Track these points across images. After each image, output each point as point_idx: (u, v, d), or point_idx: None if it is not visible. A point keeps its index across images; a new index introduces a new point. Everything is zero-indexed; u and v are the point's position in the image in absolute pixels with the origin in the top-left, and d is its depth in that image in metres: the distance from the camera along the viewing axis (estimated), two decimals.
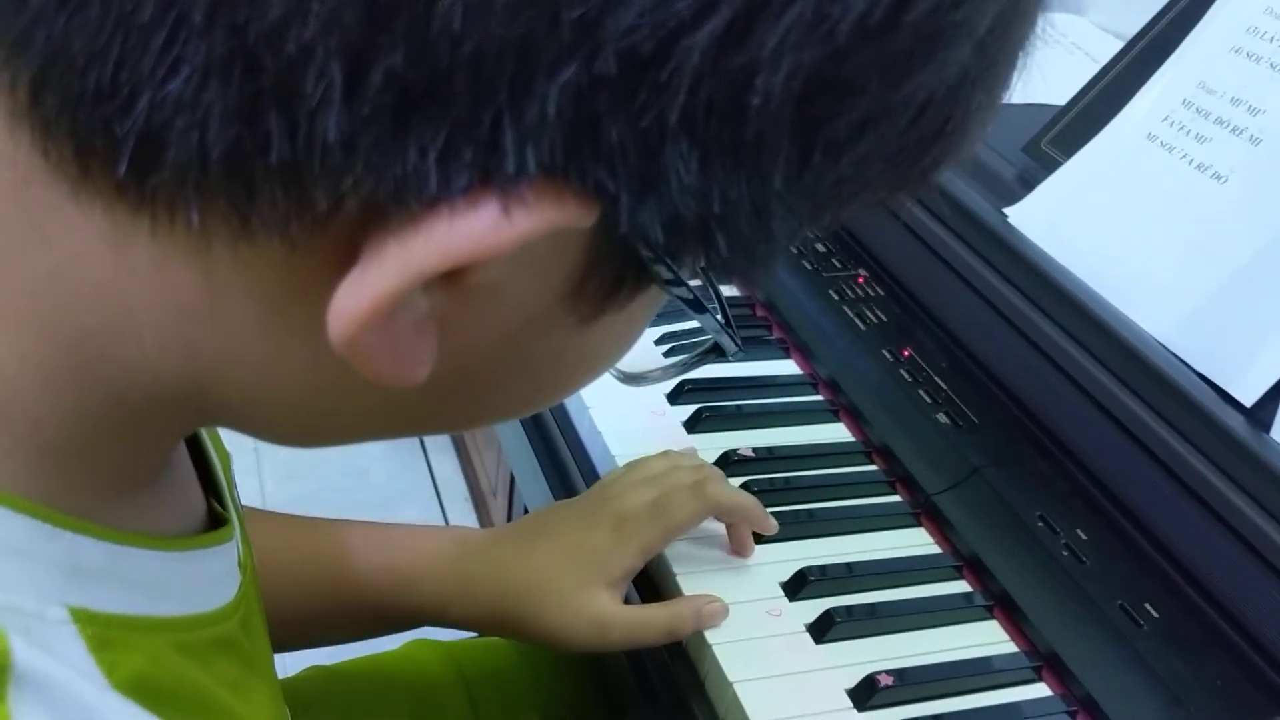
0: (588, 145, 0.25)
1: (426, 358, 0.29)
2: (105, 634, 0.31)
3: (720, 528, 0.74)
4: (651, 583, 0.73)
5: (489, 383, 0.34)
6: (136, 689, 0.31)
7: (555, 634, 0.68)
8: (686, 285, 0.31)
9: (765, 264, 0.30)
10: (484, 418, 0.37)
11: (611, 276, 0.30)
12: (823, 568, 0.72)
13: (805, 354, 0.93)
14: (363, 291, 0.26)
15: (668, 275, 0.29)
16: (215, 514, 0.41)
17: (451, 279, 0.27)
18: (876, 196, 0.30)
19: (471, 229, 0.25)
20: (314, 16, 0.23)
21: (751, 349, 0.93)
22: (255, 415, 0.34)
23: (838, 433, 0.86)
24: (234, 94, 0.24)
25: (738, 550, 0.73)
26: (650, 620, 0.68)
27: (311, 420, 0.35)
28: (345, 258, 0.27)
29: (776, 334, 0.95)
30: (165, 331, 0.30)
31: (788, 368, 0.92)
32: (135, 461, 0.35)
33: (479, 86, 0.24)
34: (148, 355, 0.30)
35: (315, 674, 0.86)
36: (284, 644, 0.60)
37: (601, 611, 0.67)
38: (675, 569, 0.71)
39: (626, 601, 0.70)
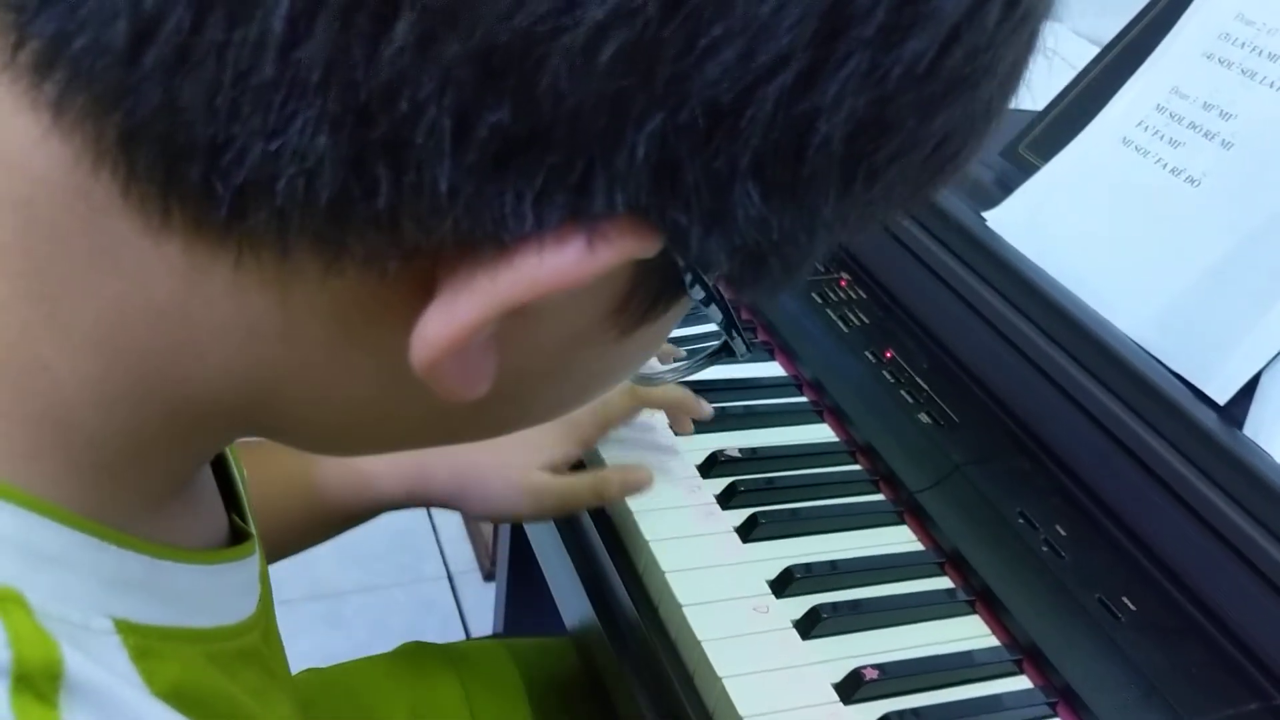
0: (667, 186, 0.27)
1: (488, 376, 0.31)
2: (145, 644, 0.32)
3: (708, 530, 0.75)
4: (640, 584, 0.74)
5: (530, 393, 0.35)
6: (174, 697, 0.32)
7: (496, 505, 0.78)
8: (717, 299, 0.33)
9: (797, 281, 0.33)
10: (520, 424, 0.38)
11: (651, 294, 0.32)
12: (808, 565, 0.73)
13: (790, 356, 0.94)
14: (452, 320, 0.28)
15: (701, 293, 0.32)
16: (236, 528, 0.42)
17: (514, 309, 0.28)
18: (888, 215, 0.32)
19: (559, 263, 0.27)
20: (428, 77, 0.25)
21: None
22: (305, 428, 0.36)
23: (822, 433, 0.87)
24: (345, 145, 0.26)
25: (677, 428, 0.84)
26: (578, 485, 0.77)
27: (360, 432, 0.37)
28: (425, 286, 0.29)
29: (761, 336, 0.97)
30: (230, 352, 0.31)
31: (772, 370, 0.94)
32: (177, 474, 0.36)
33: (575, 137, 0.26)
34: (209, 375, 0.32)
35: (311, 676, 0.86)
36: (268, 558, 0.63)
37: (534, 483, 0.76)
38: (664, 567, 0.72)
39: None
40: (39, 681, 0.27)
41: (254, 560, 0.42)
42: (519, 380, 0.33)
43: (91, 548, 0.31)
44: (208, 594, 0.37)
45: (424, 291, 0.29)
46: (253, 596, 0.41)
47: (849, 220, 0.31)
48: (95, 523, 0.32)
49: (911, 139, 0.28)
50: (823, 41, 0.25)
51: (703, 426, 0.85)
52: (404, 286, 0.29)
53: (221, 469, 0.44)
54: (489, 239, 0.27)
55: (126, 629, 0.32)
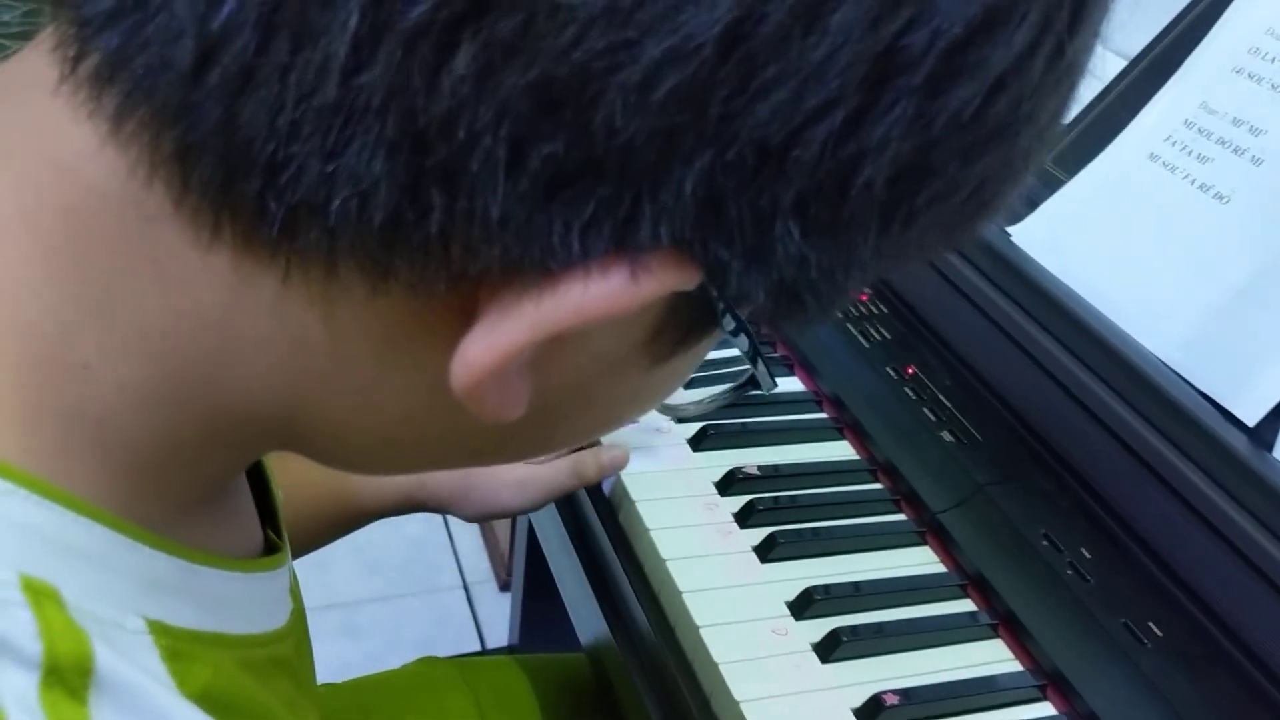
0: (711, 221, 0.27)
1: (524, 400, 0.31)
2: (177, 646, 0.32)
3: (725, 549, 0.74)
4: (656, 603, 0.73)
5: (558, 418, 0.36)
6: (205, 699, 0.32)
7: (484, 502, 0.80)
8: (748, 331, 0.33)
9: (829, 318, 0.32)
10: (549, 447, 0.39)
11: (685, 325, 0.32)
12: (828, 587, 0.72)
13: (809, 371, 0.93)
14: (495, 344, 0.29)
15: (732, 325, 0.32)
16: (269, 541, 0.43)
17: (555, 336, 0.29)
18: (921, 256, 0.33)
19: (603, 292, 0.28)
20: (486, 107, 0.25)
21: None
22: (339, 444, 0.36)
23: (842, 450, 0.86)
24: (400, 170, 0.26)
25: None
26: (558, 468, 0.79)
27: (392, 450, 0.37)
28: (468, 309, 0.29)
29: (780, 351, 0.96)
30: (271, 365, 0.32)
31: (792, 385, 0.93)
32: (210, 481, 0.37)
33: (625, 170, 0.26)
34: (249, 384, 0.32)
35: (325, 691, 0.86)
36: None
37: (519, 475, 0.80)
38: (680, 587, 0.71)
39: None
40: (70, 676, 0.27)
41: (285, 572, 0.43)
42: (550, 406, 0.33)
43: (125, 547, 0.32)
44: (241, 601, 0.38)
45: (466, 315, 0.29)
46: (285, 608, 0.42)
47: (884, 260, 0.31)
48: (130, 523, 0.32)
49: (951, 184, 0.29)
50: (871, 87, 0.26)
51: (721, 442, 0.85)
52: (447, 309, 0.30)
53: (259, 483, 0.44)
54: (535, 266, 0.28)
55: (159, 630, 0.32)
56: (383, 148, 0.26)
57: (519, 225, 0.27)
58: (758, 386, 0.39)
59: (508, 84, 0.25)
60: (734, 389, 0.41)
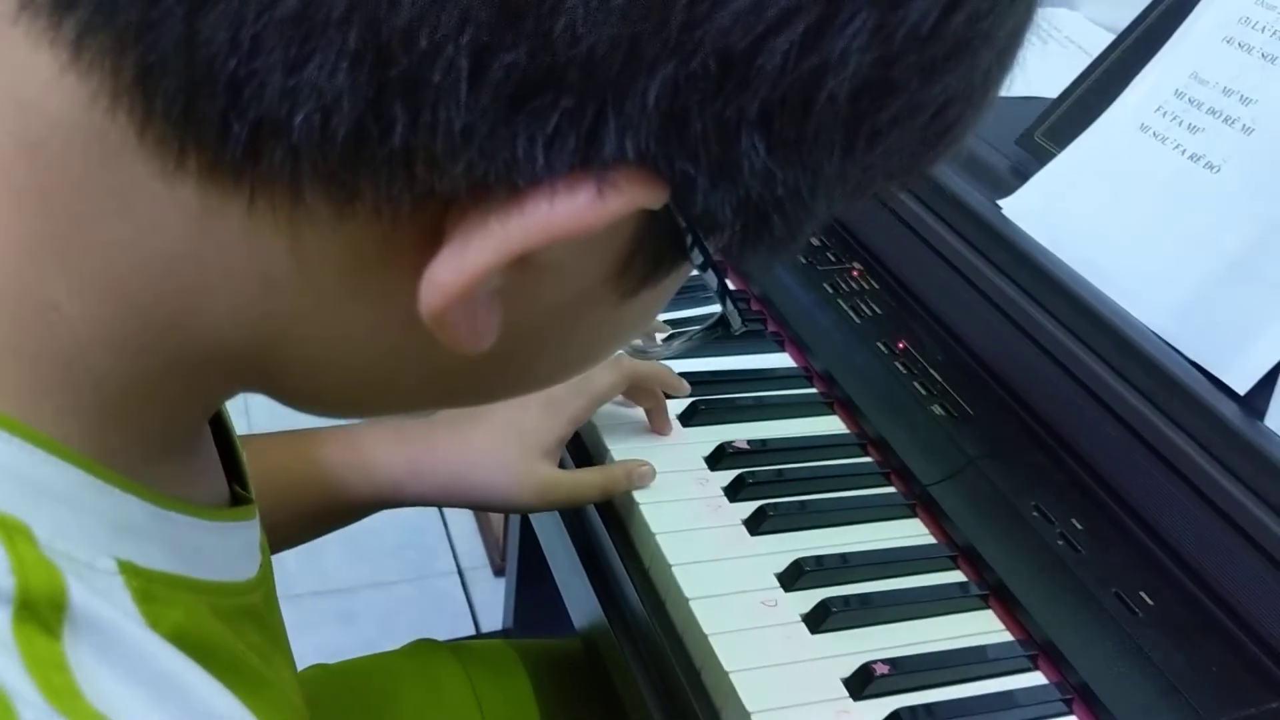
0: (676, 135, 0.27)
1: (493, 329, 0.31)
2: (149, 588, 0.32)
3: (716, 523, 0.74)
4: (647, 578, 0.73)
5: (533, 354, 0.36)
6: (177, 639, 0.32)
7: (504, 500, 0.77)
8: (714, 264, 0.33)
9: (797, 246, 0.33)
10: (517, 389, 0.39)
11: (653, 256, 0.32)
12: (818, 558, 0.72)
13: (800, 347, 0.93)
14: (463, 266, 0.28)
15: (700, 256, 0.32)
16: (236, 495, 0.43)
17: (523, 257, 0.29)
18: (884, 185, 0.33)
19: (569, 209, 0.28)
20: (447, 16, 0.25)
21: (746, 342, 0.93)
22: (311, 381, 0.36)
23: (832, 425, 0.86)
24: (363, 83, 0.26)
25: (657, 429, 0.82)
26: (587, 481, 0.78)
27: (364, 389, 0.37)
28: (435, 233, 0.29)
29: (771, 327, 0.95)
30: (240, 298, 0.31)
31: (782, 361, 0.92)
32: (179, 424, 0.36)
33: (588, 80, 0.26)
34: (218, 320, 0.32)
35: (319, 673, 0.86)
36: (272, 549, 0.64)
37: (543, 478, 0.76)
38: (670, 560, 0.71)
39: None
40: (43, 611, 0.27)
41: (254, 525, 0.42)
42: (521, 340, 0.33)
43: (96, 489, 0.32)
44: (211, 549, 0.38)
45: (434, 239, 0.29)
46: (254, 560, 0.42)
47: (850, 182, 0.31)
48: (101, 465, 0.32)
49: (913, 102, 0.29)
50: None
51: (711, 418, 0.84)
52: (415, 232, 0.29)
53: (221, 435, 0.44)
54: (501, 182, 0.27)
55: (131, 570, 0.32)
56: (345, 60, 0.26)
57: (483, 138, 0.26)
58: (727, 326, 0.39)
59: None
60: (703, 330, 0.41)
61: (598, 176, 0.28)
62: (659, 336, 0.52)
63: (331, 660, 0.89)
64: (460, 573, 1.90)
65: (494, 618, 1.79)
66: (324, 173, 0.28)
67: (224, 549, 0.39)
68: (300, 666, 0.84)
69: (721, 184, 0.29)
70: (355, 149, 0.27)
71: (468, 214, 0.28)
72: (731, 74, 0.26)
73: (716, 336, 0.40)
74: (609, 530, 0.77)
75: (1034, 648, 0.68)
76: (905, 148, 0.30)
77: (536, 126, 0.26)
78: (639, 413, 0.83)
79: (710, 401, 0.85)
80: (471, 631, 1.79)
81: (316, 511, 0.75)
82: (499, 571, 1.88)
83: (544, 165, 0.27)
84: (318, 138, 0.27)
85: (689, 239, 0.31)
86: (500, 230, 0.28)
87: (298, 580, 1.73)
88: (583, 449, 0.84)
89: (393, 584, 1.86)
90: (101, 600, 0.29)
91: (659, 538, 0.73)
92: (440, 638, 0.93)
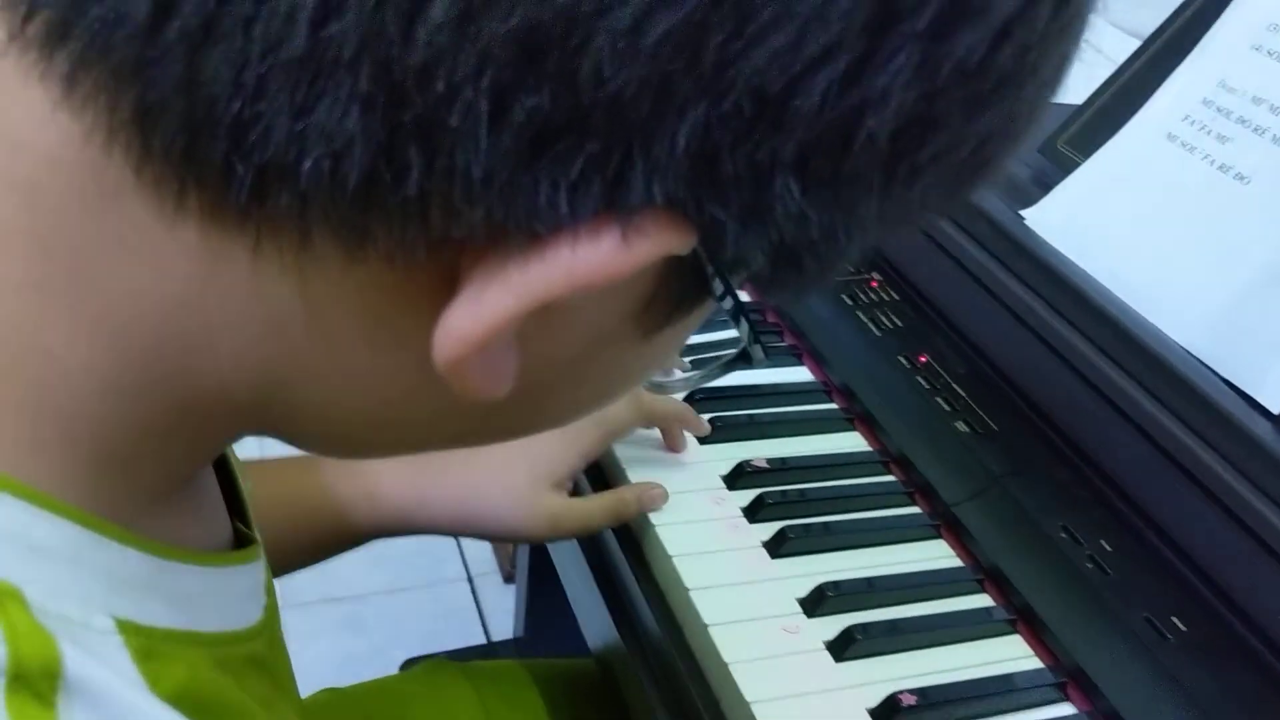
0: (705, 178, 0.26)
1: (510, 376, 0.30)
2: (149, 645, 0.31)
3: (734, 545, 0.73)
4: (663, 601, 0.71)
5: (546, 395, 0.34)
6: (179, 700, 0.31)
7: (512, 529, 0.76)
8: (738, 301, 0.31)
9: (827, 284, 0.32)
10: (530, 429, 0.38)
11: (677, 295, 0.31)
12: (841, 583, 0.70)
13: (818, 361, 0.91)
14: (480, 313, 0.27)
15: (723, 292, 0.31)
16: (239, 534, 0.41)
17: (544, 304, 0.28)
18: (923, 217, 0.31)
19: (593, 256, 0.26)
20: (466, 56, 0.24)
21: None
22: (319, 427, 0.35)
23: (853, 442, 0.84)
24: (375, 126, 0.25)
25: (672, 446, 0.80)
26: (596, 508, 0.75)
27: (374, 432, 0.36)
28: (449, 279, 0.28)
29: (789, 340, 0.94)
30: (245, 344, 0.30)
31: (800, 375, 0.91)
32: (181, 470, 0.35)
33: (615, 124, 0.25)
34: (221, 367, 0.31)
35: (330, 697, 0.85)
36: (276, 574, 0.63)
37: (552, 507, 0.74)
38: (687, 585, 0.69)
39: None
40: (36, 680, 0.26)
41: (259, 566, 0.41)
42: (537, 381, 0.32)
43: (93, 544, 0.30)
44: (213, 597, 0.36)
45: (448, 283, 0.28)
46: (259, 603, 0.40)
47: (886, 219, 0.30)
48: (99, 519, 0.30)
49: (956, 139, 0.28)
50: (874, 33, 0.25)
51: (728, 435, 0.83)
52: (428, 277, 0.28)
53: (224, 474, 0.43)
54: (520, 229, 0.26)
55: (129, 629, 0.31)
56: (356, 103, 0.24)
57: (503, 184, 0.25)
58: (748, 360, 0.37)
59: (488, 31, 0.23)
60: (723, 364, 0.40)
61: (623, 222, 0.26)
62: (678, 372, 0.50)
63: (342, 669, 0.88)
64: (470, 580, 1.89)
65: (504, 625, 1.77)
66: (334, 218, 0.26)
67: (227, 595, 0.38)
68: (309, 673, 0.83)
69: (753, 227, 0.28)
70: (367, 195, 0.26)
71: (484, 258, 0.27)
72: (766, 114, 0.25)
73: (738, 369, 0.39)
74: (624, 551, 0.75)
75: (1063, 674, 0.67)
76: (944, 183, 0.29)
77: (559, 172, 0.25)
78: (654, 430, 0.82)
79: (727, 418, 0.83)
80: (481, 639, 1.78)
81: (323, 538, 0.74)
82: (509, 578, 1.87)
83: (567, 212, 0.26)
84: (327, 183, 0.26)
85: (711, 273, 0.30)
86: (520, 278, 0.27)
87: (307, 587, 1.71)
88: (595, 465, 0.82)
89: (402, 591, 1.84)
90: (98, 664, 0.28)
91: (675, 560, 0.71)
92: (450, 645, 0.92)
